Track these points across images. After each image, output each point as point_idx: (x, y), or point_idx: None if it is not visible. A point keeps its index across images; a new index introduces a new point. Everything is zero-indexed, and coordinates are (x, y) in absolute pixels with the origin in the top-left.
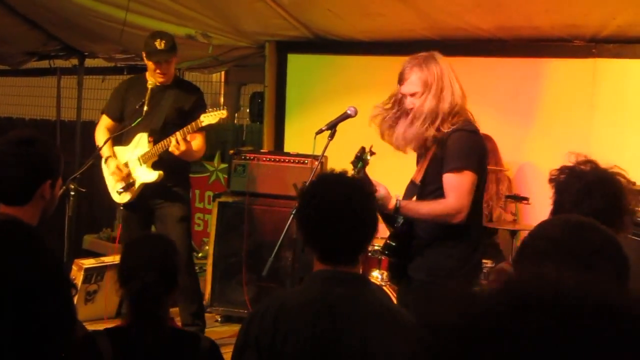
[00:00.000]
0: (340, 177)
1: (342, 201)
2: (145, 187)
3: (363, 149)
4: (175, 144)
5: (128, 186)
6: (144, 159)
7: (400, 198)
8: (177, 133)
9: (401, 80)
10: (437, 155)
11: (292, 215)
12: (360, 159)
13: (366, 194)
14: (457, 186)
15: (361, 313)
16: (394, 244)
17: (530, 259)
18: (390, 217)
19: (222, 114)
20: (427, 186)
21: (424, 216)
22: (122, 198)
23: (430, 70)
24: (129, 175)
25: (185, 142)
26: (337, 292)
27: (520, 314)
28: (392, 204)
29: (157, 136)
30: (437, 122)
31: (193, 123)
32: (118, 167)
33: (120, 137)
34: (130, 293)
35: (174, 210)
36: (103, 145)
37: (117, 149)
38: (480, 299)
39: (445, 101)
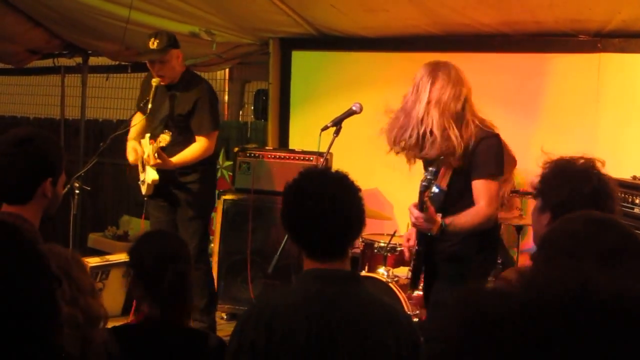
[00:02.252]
0: (324, 172)
1: (328, 196)
2: (162, 181)
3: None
4: (146, 157)
5: (143, 181)
6: (146, 160)
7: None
8: (149, 147)
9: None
10: (464, 160)
11: None
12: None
13: (352, 188)
14: (488, 192)
15: (355, 311)
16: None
17: (553, 256)
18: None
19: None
20: (454, 191)
21: (467, 229)
22: (143, 189)
23: (438, 79)
24: (142, 158)
25: (159, 157)
26: (330, 291)
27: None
28: (436, 228)
29: (156, 140)
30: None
31: (155, 144)
32: (134, 149)
33: (146, 130)
34: (135, 290)
35: (187, 209)
36: (106, 144)
37: (142, 141)
38: (508, 297)
39: (456, 105)
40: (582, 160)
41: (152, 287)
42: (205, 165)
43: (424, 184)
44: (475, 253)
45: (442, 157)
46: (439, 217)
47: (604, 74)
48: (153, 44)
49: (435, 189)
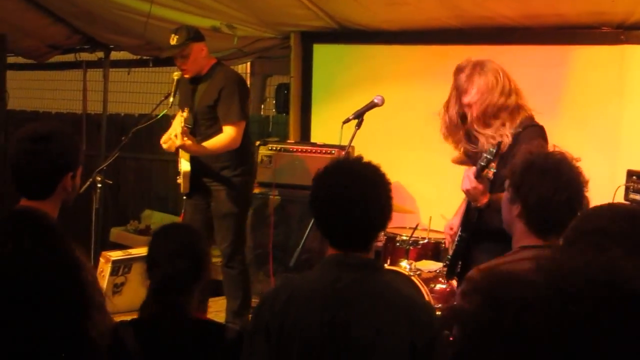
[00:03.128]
0: (353, 162)
1: (353, 185)
2: (197, 180)
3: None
4: (172, 137)
5: (180, 176)
6: (181, 151)
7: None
8: (179, 127)
9: (461, 91)
10: (509, 150)
11: None
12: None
13: (381, 181)
14: None
15: (371, 299)
16: (465, 235)
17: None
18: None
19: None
20: (499, 181)
21: None
22: (181, 187)
23: (487, 76)
24: (175, 136)
25: (183, 138)
26: (347, 277)
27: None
28: (485, 200)
29: (189, 132)
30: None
31: (182, 126)
32: (168, 136)
33: None
34: (151, 282)
35: (221, 206)
36: (128, 138)
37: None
38: (533, 285)
39: (505, 100)
40: (557, 154)
41: (157, 281)
42: (242, 161)
43: (486, 156)
44: None
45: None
46: (487, 194)
47: (627, 66)
48: (173, 40)
49: (493, 169)
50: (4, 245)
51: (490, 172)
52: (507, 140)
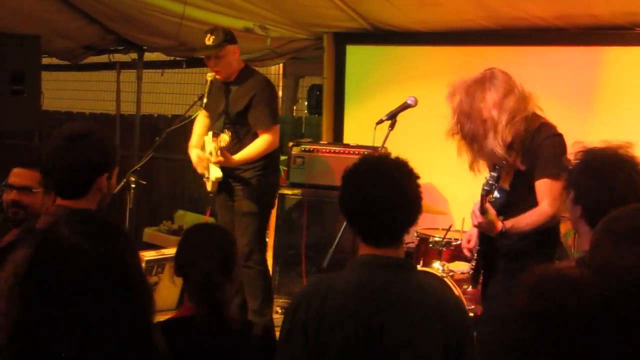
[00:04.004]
0: (383, 158)
1: (383, 181)
2: (225, 177)
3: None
4: (207, 155)
5: (207, 178)
6: (208, 158)
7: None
8: (213, 145)
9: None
10: (527, 160)
11: None
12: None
13: (410, 175)
14: (551, 192)
15: (405, 299)
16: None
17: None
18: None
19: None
20: (516, 192)
21: (528, 230)
22: (207, 186)
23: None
24: (208, 167)
25: (222, 155)
26: (381, 277)
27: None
28: (497, 228)
29: (218, 138)
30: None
31: (218, 140)
32: (199, 157)
33: (209, 127)
34: (193, 281)
35: (242, 204)
36: (161, 139)
37: (205, 138)
38: (580, 286)
39: (510, 104)
40: (612, 151)
41: (185, 282)
42: (267, 161)
43: (485, 188)
44: (535, 249)
45: (500, 167)
46: (499, 220)
47: None
48: (209, 40)
49: (497, 194)
50: (82, 244)
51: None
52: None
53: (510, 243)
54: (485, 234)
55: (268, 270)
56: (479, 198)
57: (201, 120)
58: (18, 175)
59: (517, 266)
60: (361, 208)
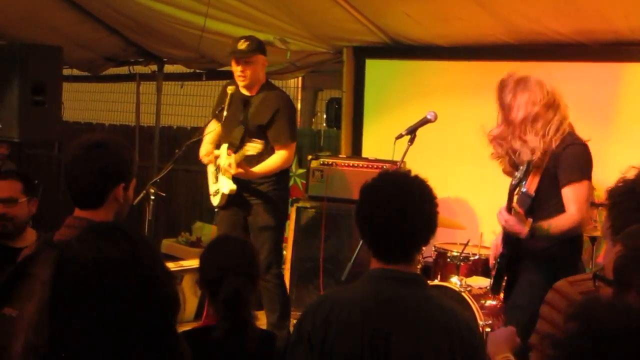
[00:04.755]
0: (401, 175)
1: (399, 198)
2: (240, 191)
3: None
4: (227, 167)
5: (217, 191)
6: (223, 170)
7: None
8: (232, 156)
9: (505, 106)
10: (550, 167)
11: None
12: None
13: (427, 194)
14: (577, 198)
15: (411, 313)
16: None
17: None
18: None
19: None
20: (541, 197)
21: (558, 234)
22: (214, 201)
23: (530, 91)
24: (217, 159)
25: (242, 168)
26: (388, 291)
27: None
28: (525, 231)
29: (235, 149)
30: (552, 135)
31: (241, 152)
32: (210, 153)
33: (219, 141)
34: (223, 297)
35: (258, 219)
36: (181, 151)
37: (216, 151)
38: (629, 311)
39: (553, 115)
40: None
41: (213, 295)
42: (280, 176)
43: (513, 182)
44: (561, 255)
45: (529, 162)
46: (529, 220)
47: None
48: (242, 45)
49: (523, 189)
50: (110, 252)
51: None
52: (539, 151)
53: (536, 247)
54: (510, 237)
55: (285, 284)
56: (504, 202)
57: (213, 132)
58: (2, 188)
59: (543, 272)
60: (374, 223)
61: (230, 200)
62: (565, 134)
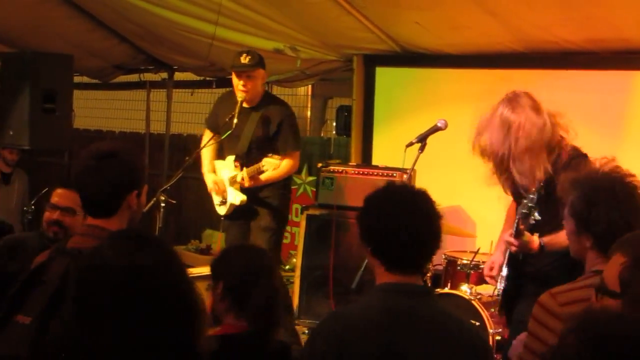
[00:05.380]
0: (407, 186)
1: (416, 211)
2: (249, 200)
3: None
4: (240, 180)
5: (223, 201)
6: (230, 181)
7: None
8: (244, 170)
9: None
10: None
11: None
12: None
13: (433, 205)
14: None
15: (426, 326)
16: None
17: None
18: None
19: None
20: (547, 212)
21: (564, 249)
22: (220, 210)
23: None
24: (224, 191)
25: (252, 179)
26: (402, 305)
27: None
28: (536, 244)
29: (242, 161)
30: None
31: (256, 166)
32: (215, 183)
33: (220, 152)
34: (256, 302)
35: (261, 221)
36: (191, 159)
37: (217, 163)
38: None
39: (547, 135)
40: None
41: (241, 302)
42: (283, 180)
43: (523, 211)
44: (567, 274)
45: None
46: (535, 237)
47: None
48: (245, 59)
49: (537, 216)
50: (126, 264)
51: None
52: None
53: (540, 267)
54: (513, 256)
55: (287, 289)
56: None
57: (209, 143)
58: (61, 196)
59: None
60: (385, 235)
61: (237, 210)
62: (567, 149)
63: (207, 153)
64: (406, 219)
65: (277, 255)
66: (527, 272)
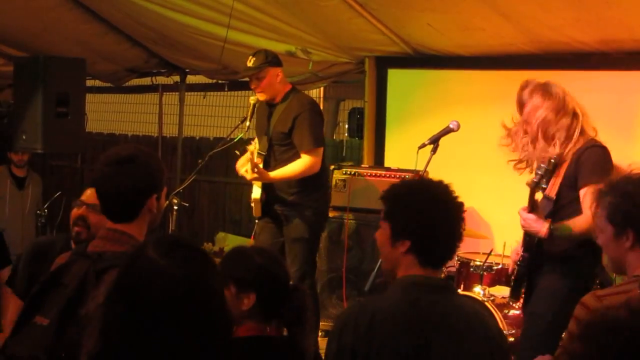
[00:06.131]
0: (437, 181)
1: (451, 205)
2: (269, 203)
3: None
4: (243, 172)
5: (253, 200)
6: (245, 175)
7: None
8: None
9: (522, 107)
10: (571, 170)
11: None
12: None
13: (459, 201)
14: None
15: (452, 320)
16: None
17: None
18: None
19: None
20: (562, 200)
21: (575, 236)
22: (253, 211)
23: (551, 95)
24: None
25: (256, 172)
26: (426, 299)
27: None
28: (545, 230)
29: (263, 159)
30: (563, 141)
31: (248, 152)
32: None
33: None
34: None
35: (291, 230)
36: (204, 162)
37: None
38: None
39: (566, 122)
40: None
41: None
42: (315, 186)
43: (534, 180)
44: (586, 261)
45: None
46: (548, 220)
47: None
48: (250, 62)
49: (544, 185)
50: (170, 268)
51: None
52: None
53: (555, 252)
54: (531, 239)
55: (318, 296)
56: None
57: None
58: (90, 194)
59: (561, 278)
60: (434, 231)
61: (265, 210)
62: (586, 139)
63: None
64: (445, 213)
65: (313, 264)
66: (549, 251)
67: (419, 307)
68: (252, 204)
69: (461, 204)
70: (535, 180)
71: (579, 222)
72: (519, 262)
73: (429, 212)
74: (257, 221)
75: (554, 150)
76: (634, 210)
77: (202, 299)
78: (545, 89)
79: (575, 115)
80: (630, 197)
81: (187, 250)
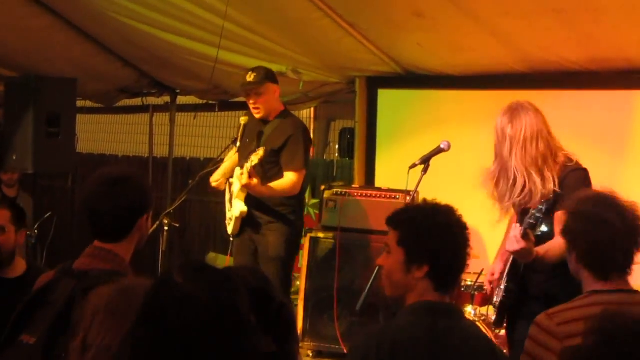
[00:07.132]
0: (442, 205)
1: (461, 228)
2: (247, 220)
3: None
4: (239, 176)
5: (231, 218)
6: (236, 193)
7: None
8: (245, 166)
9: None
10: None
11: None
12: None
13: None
14: None
15: (463, 344)
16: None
17: None
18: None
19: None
20: (550, 222)
21: (559, 260)
22: (229, 228)
23: (517, 122)
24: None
25: (252, 176)
26: (441, 324)
27: None
28: (533, 256)
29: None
30: (538, 171)
31: (247, 162)
32: (228, 200)
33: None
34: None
35: (267, 250)
36: (195, 182)
37: (236, 172)
38: None
39: (536, 150)
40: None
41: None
42: (294, 207)
43: (530, 221)
44: (569, 292)
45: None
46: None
47: None
48: (250, 77)
49: (543, 228)
50: (197, 292)
51: (536, 231)
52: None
53: (543, 282)
54: (517, 270)
55: (294, 313)
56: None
57: (230, 159)
58: None
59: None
60: (451, 255)
61: (243, 228)
62: (565, 160)
63: (226, 164)
64: (460, 238)
65: (288, 283)
66: (531, 292)
67: (439, 332)
68: (232, 221)
69: (467, 227)
70: (531, 221)
71: (561, 248)
72: (504, 293)
73: (446, 237)
74: (231, 239)
75: (550, 186)
76: (573, 233)
77: (231, 323)
78: (518, 115)
79: (550, 137)
80: (575, 218)
81: (214, 274)
